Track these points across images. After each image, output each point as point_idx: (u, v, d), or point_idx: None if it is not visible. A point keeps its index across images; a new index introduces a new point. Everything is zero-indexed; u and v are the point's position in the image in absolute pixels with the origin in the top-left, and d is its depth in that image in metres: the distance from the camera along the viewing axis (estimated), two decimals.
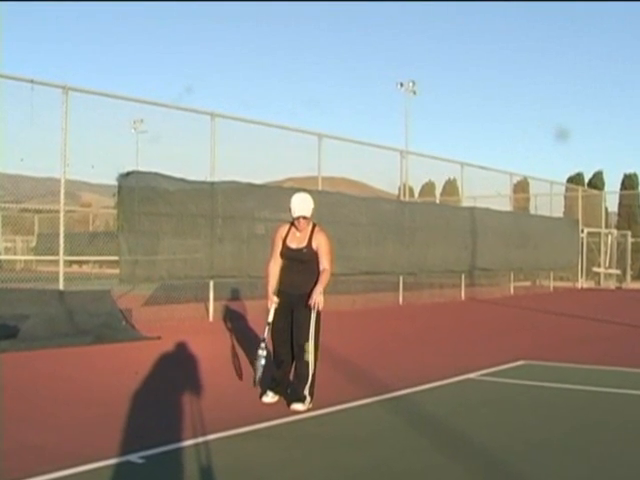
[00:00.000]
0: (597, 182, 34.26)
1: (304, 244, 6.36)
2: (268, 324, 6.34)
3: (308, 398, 6.19)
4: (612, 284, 28.39)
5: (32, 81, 10.72)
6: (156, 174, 12.18)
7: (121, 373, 7.70)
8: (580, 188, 29.83)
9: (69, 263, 19.20)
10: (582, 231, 27.14)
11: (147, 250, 12.14)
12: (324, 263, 6.34)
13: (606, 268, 28.56)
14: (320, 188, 15.78)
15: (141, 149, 14.41)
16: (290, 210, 6.34)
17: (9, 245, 28.32)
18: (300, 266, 6.34)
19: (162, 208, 12.42)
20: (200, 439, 5.06)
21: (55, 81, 11.33)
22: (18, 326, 9.62)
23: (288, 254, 6.39)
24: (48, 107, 11.12)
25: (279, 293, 6.35)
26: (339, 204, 15.96)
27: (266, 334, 6.32)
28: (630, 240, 29.72)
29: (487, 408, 6.55)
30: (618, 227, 31.78)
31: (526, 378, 7.97)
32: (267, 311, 6.36)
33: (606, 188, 33.90)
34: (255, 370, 6.21)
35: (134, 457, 4.64)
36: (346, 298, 15.84)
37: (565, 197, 29.51)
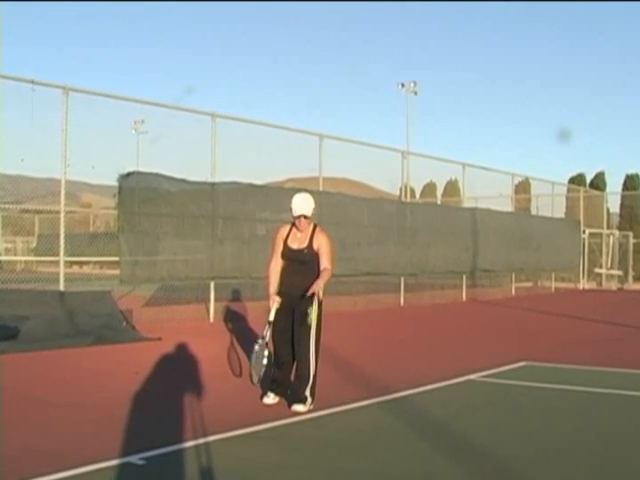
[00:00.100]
0: (599, 183, 34.23)
1: (305, 245, 6.34)
2: (269, 323, 6.32)
3: (309, 399, 6.17)
4: (614, 285, 28.36)
5: (33, 82, 10.72)
6: (157, 175, 12.18)
7: (121, 374, 7.69)
8: (582, 189, 29.83)
9: (69, 264, 19.16)
10: (584, 232, 27.13)
11: (148, 251, 12.14)
12: (325, 263, 6.30)
13: (608, 269, 28.53)
14: (321, 189, 15.77)
15: (142, 150, 14.40)
16: (291, 210, 6.32)
17: (9, 246, 28.30)
18: (301, 267, 6.32)
19: (163, 209, 12.43)
20: (201, 440, 5.05)
21: (56, 82, 11.37)
22: (18, 327, 9.62)
23: (289, 255, 6.36)
24: (49, 108, 11.14)
25: (280, 294, 6.32)
26: (340, 205, 15.95)
27: (266, 332, 6.30)
28: (632, 241, 29.71)
29: (488, 410, 6.53)
30: (620, 228, 31.77)
31: (527, 379, 7.94)
32: (268, 311, 6.34)
33: (608, 189, 33.91)
34: (252, 366, 6.17)
35: (135, 458, 4.63)
36: (347, 299, 15.83)
37: (567, 198, 29.46)
